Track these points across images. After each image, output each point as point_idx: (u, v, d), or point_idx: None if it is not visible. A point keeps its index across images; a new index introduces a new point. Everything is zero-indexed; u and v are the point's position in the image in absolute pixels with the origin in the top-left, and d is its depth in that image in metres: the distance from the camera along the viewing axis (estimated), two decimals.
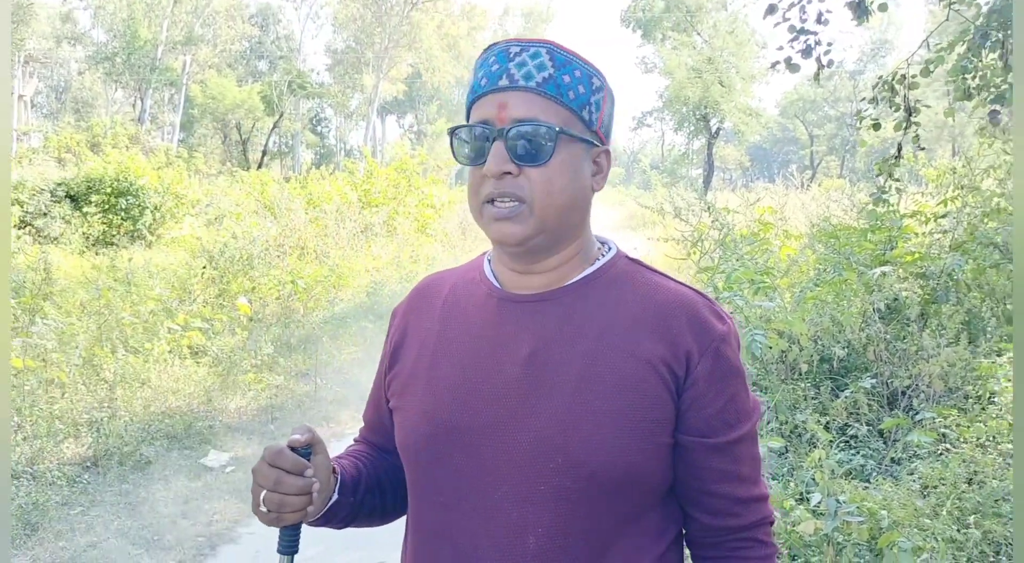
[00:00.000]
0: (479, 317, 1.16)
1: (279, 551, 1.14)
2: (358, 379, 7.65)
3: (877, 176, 5.94)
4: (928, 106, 5.66)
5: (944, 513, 3.12)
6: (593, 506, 1.06)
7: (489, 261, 1.23)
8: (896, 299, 5.30)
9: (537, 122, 1.07)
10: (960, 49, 5.33)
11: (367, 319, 9.69)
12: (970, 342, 4.80)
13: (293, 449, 1.07)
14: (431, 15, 39.78)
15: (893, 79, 5.61)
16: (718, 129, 31.67)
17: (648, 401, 1.06)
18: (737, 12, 31.71)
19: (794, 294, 5.57)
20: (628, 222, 23.63)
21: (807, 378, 4.95)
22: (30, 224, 12.79)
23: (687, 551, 1.20)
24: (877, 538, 2.88)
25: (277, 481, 1.05)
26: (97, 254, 12.24)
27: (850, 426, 4.41)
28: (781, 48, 5.70)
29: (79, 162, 16.97)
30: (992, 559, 2.95)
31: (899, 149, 5.69)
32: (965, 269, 5.17)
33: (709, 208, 6.16)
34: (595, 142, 1.13)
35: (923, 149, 5.83)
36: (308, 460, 1.08)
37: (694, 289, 1.17)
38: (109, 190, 13.94)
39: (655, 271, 1.19)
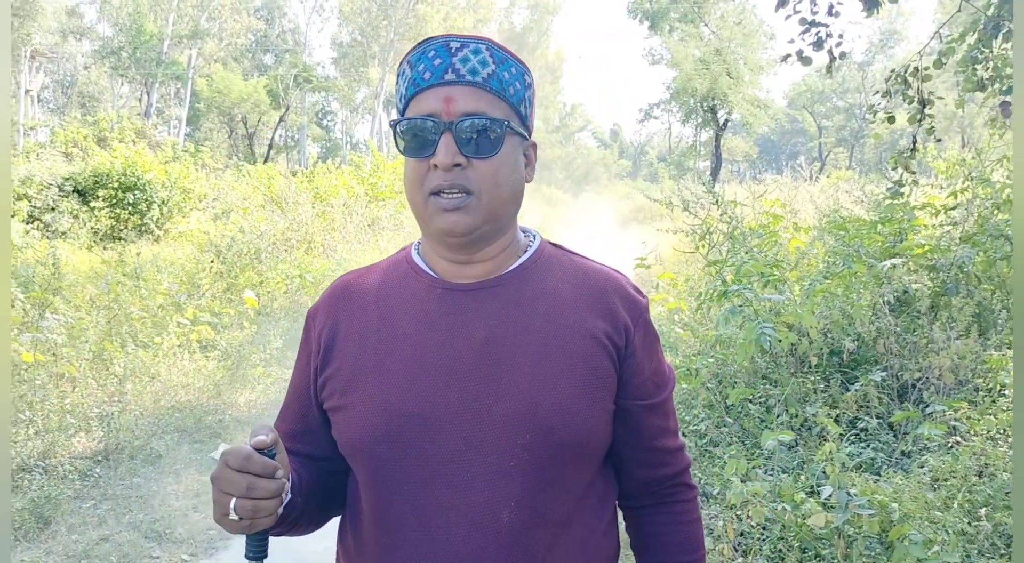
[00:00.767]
0: (424, 308, 1.18)
1: (249, 557, 1.10)
2: None
3: (892, 169, 5.90)
4: (941, 98, 5.61)
5: (955, 506, 3.11)
6: (559, 476, 1.14)
7: (418, 255, 1.25)
8: (906, 292, 5.27)
9: (485, 116, 1.12)
10: (971, 39, 5.29)
11: None
12: (980, 335, 4.78)
13: (259, 451, 1.03)
14: (437, 8, 39.70)
15: (906, 71, 5.57)
16: (726, 121, 31.52)
17: (597, 372, 1.16)
18: (744, 3, 31.55)
19: (803, 287, 5.55)
20: (635, 215, 23.58)
21: (817, 371, 4.94)
22: (38, 219, 12.83)
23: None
24: (888, 531, 2.87)
25: (250, 487, 1.01)
26: (105, 249, 12.29)
27: (860, 419, 4.40)
28: (792, 41, 5.66)
29: (86, 157, 17.00)
30: (1003, 552, 2.95)
31: (914, 142, 5.65)
32: (975, 261, 5.14)
33: (717, 201, 6.14)
34: (527, 136, 1.20)
35: (939, 141, 5.79)
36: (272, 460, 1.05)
37: (613, 268, 1.29)
38: (116, 185, 13.97)
39: (576, 254, 1.29)
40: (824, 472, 3.56)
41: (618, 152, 74.84)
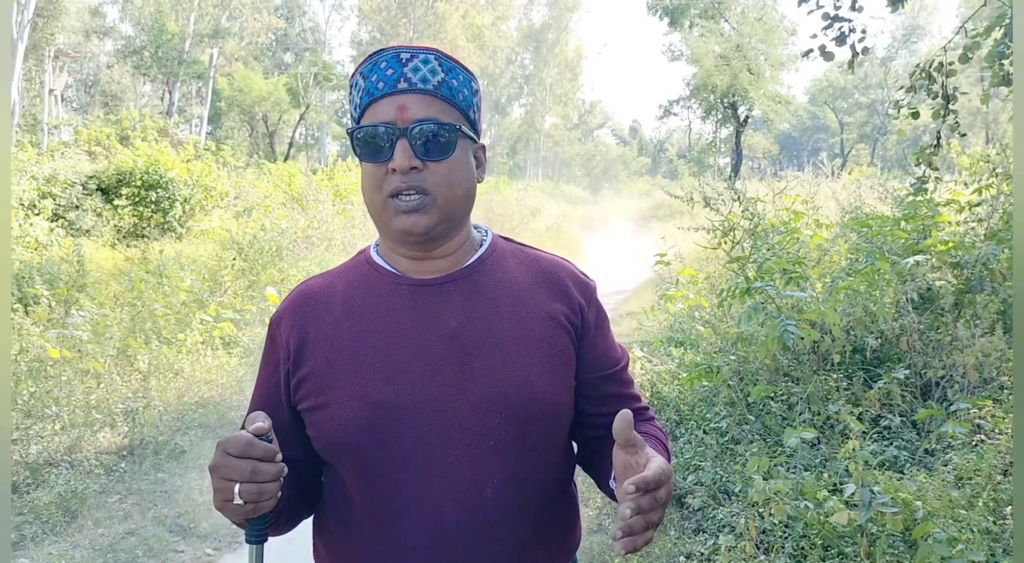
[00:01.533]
0: (391, 304, 1.24)
1: (251, 541, 1.15)
2: None
3: (916, 166, 5.85)
4: (965, 93, 5.55)
5: (979, 504, 3.08)
6: (534, 449, 1.23)
7: (378, 255, 1.31)
8: (930, 289, 5.22)
9: (437, 121, 1.19)
10: (997, 34, 5.22)
11: None
12: (1006, 332, 4.73)
13: (257, 437, 1.06)
14: (456, 5, 39.73)
15: (930, 66, 5.51)
16: (746, 117, 31.35)
17: (559, 350, 1.26)
18: None
19: (825, 284, 5.52)
20: (655, 212, 23.51)
21: (839, 369, 4.90)
22: (63, 217, 12.97)
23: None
24: (911, 529, 2.85)
25: (254, 471, 1.05)
26: (128, 246, 12.41)
27: (883, 417, 4.37)
28: (815, 36, 5.62)
29: (109, 155, 17.16)
30: None
31: (938, 138, 5.59)
32: (1000, 258, 5.08)
33: (739, 197, 6.11)
34: (476, 139, 1.28)
35: (964, 136, 5.73)
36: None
37: (560, 256, 1.40)
38: (139, 183, 14.11)
39: (524, 245, 1.40)
40: (847, 470, 3.54)
41: (637, 149, 74.62)
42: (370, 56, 1.23)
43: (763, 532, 3.41)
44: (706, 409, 4.95)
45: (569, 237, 18.32)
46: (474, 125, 1.26)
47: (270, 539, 1.18)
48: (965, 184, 6.53)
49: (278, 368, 1.28)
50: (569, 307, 1.29)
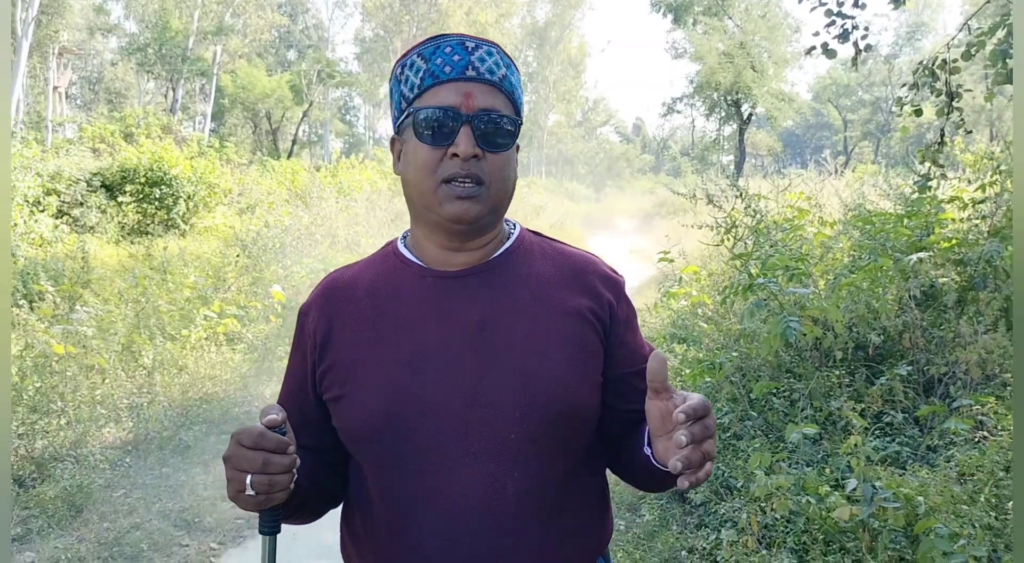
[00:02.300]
0: (416, 296, 1.24)
1: (264, 532, 1.16)
2: None
3: (920, 163, 5.85)
4: (969, 90, 5.55)
5: (981, 500, 3.09)
6: (555, 445, 1.21)
7: (404, 247, 1.31)
8: (933, 286, 5.23)
9: (500, 113, 1.20)
10: (1001, 33, 5.23)
11: None
12: (1008, 329, 4.73)
13: (270, 429, 1.08)
14: (459, 2, 39.70)
15: (934, 64, 5.51)
16: (750, 115, 31.32)
17: (584, 346, 1.24)
18: None
19: (828, 281, 5.53)
20: (659, 209, 23.51)
21: (842, 365, 4.91)
22: (67, 214, 13.00)
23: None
24: (913, 524, 2.87)
25: (266, 462, 1.06)
26: (132, 243, 12.45)
27: (885, 414, 4.38)
28: (817, 34, 5.62)
29: (113, 152, 17.19)
30: None
31: (942, 135, 5.60)
32: (1004, 255, 5.08)
33: (742, 194, 6.12)
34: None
35: (969, 133, 5.73)
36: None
37: (588, 251, 1.38)
38: (143, 180, 14.13)
39: (553, 239, 1.38)
40: (849, 465, 3.54)
41: (641, 147, 74.52)
42: (430, 39, 1.23)
43: (765, 527, 3.42)
44: None
45: (572, 235, 18.33)
46: (520, 122, 1.27)
47: (284, 528, 1.18)
48: (968, 181, 6.53)
49: (305, 358, 1.29)
50: (597, 303, 1.27)
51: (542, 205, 18.87)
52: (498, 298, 1.23)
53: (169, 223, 14.32)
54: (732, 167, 28.55)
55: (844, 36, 5.51)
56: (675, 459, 1.01)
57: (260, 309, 8.01)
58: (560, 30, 53.13)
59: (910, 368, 4.57)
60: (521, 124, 1.26)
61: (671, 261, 7.10)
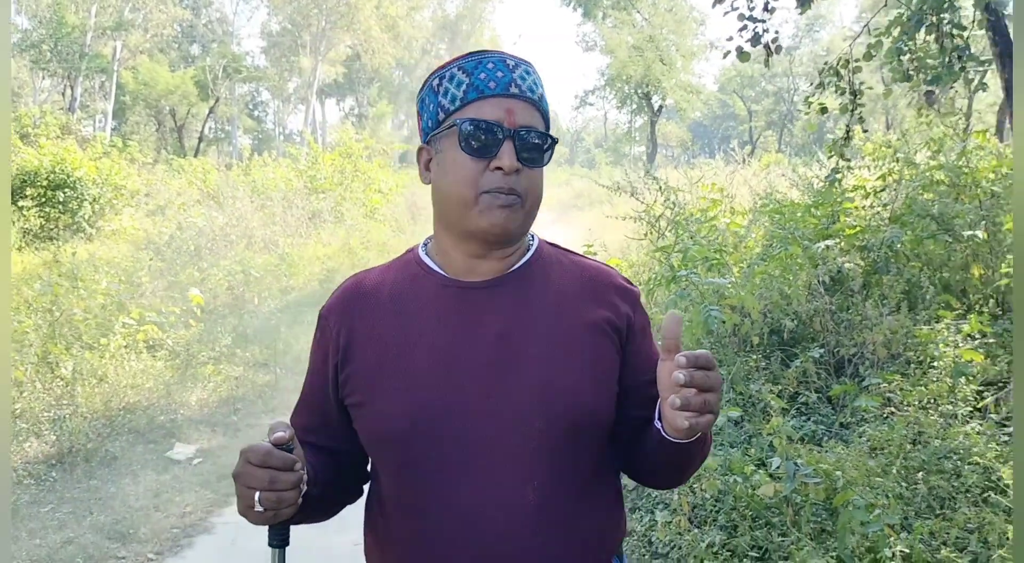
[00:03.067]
0: (438, 306, 1.27)
1: (273, 545, 1.20)
2: None
3: (828, 158, 6.16)
4: (871, 88, 5.88)
5: (893, 472, 3.32)
6: (575, 454, 1.25)
7: (426, 255, 1.34)
8: (840, 271, 5.51)
9: (539, 130, 1.25)
10: (896, 31, 5.55)
11: (321, 306, 9.67)
12: (910, 310, 5.05)
13: (276, 446, 1.11)
14: None
15: (838, 64, 5.82)
16: (660, 106, 32.00)
17: (602, 358, 1.28)
18: None
19: (743, 270, 5.77)
20: (575, 201, 23.79)
21: (759, 350, 5.15)
22: None
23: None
24: (833, 497, 3.07)
25: (272, 480, 1.09)
26: (37, 249, 11.95)
27: (801, 394, 4.62)
28: (731, 38, 5.87)
29: (11, 154, 16.41)
30: (938, 512, 3.17)
31: (847, 131, 5.91)
32: (904, 240, 5.41)
33: (661, 188, 6.32)
34: None
35: (866, 132, 6.08)
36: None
37: (603, 262, 1.42)
38: (45, 183, 13.57)
39: (569, 251, 1.42)
40: (771, 445, 3.75)
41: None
42: (471, 54, 1.27)
43: (695, 507, 3.59)
44: None
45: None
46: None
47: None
48: (869, 169, 6.89)
49: (326, 361, 1.32)
50: (614, 314, 1.30)
51: None
52: (519, 309, 1.27)
53: (75, 227, 13.78)
54: (645, 158, 29.13)
55: (755, 39, 5.77)
56: (674, 396, 1.06)
57: (179, 314, 7.83)
58: (471, 23, 53.08)
59: (822, 350, 4.83)
60: (556, 141, 1.30)
61: (595, 254, 7.27)
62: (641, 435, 1.31)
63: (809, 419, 4.46)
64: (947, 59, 5.19)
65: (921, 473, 3.36)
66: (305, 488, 1.19)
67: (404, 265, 1.36)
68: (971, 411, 3.83)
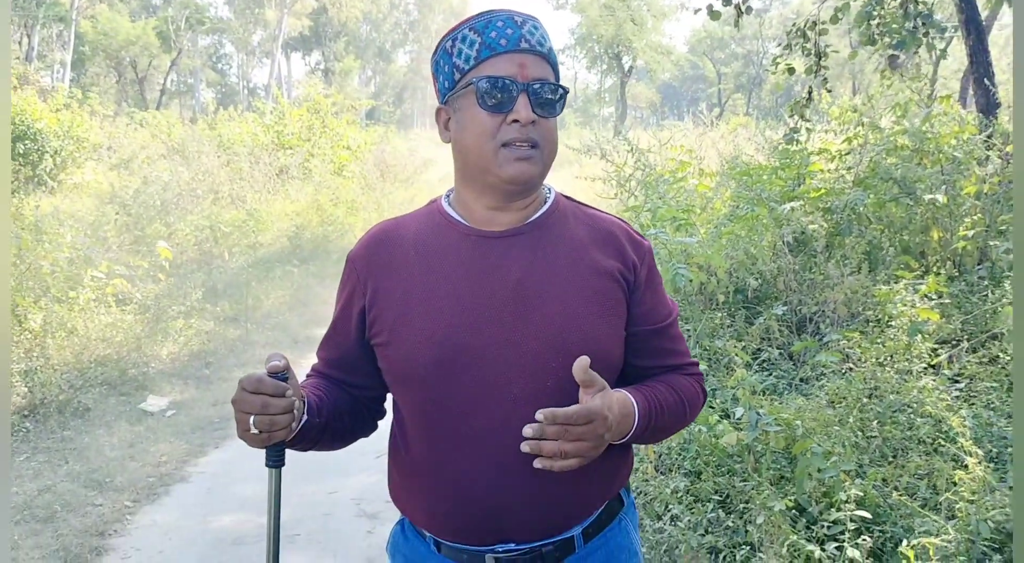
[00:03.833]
0: (461, 254, 1.35)
1: (269, 465, 1.29)
2: (288, 322, 7.71)
3: (789, 117, 6.26)
4: (836, 51, 5.97)
5: (850, 422, 3.48)
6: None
7: (449, 206, 1.42)
8: (804, 232, 5.65)
9: (551, 82, 1.32)
10: None
11: (291, 263, 9.67)
12: (871, 270, 5.21)
13: (271, 375, 1.20)
14: None
15: (805, 26, 5.90)
16: (630, 67, 31.93)
17: (614, 304, 1.37)
18: None
19: (710, 230, 5.89)
20: None
21: (724, 308, 5.30)
22: None
23: None
24: (792, 446, 3.21)
25: (264, 404, 1.18)
26: None
27: (763, 350, 4.77)
28: None
29: None
30: (891, 460, 3.34)
31: (810, 92, 6.01)
32: (867, 203, 5.55)
33: (632, 149, 6.39)
34: None
35: (830, 91, 6.18)
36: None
37: (616, 216, 1.50)
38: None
39: (584, 204, 1.50)
40: (735, 398, 3.89)
41: None
42: (479, 14, 1.33)
43: (661, 456, 3.73)
44: None
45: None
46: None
47: (290, 465, 1.28)
48: (835, 133, 7.02)
49: (352, 301, 1.41)
50: (624, 264, 1.39)
51: (431, 158, 18.75)
52: (536, 257, 1.35)
53: (37, 180, 13.54)
54: (615, 119, 29.14)
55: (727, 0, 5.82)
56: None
57: (148, 268, 7.79)
58: None
59: (784, 308, 4.98)
60: (568, 92, 1.36)
61: None
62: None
63: (771, 374, 4.61)
64: (912, 25, 5.30)
65: (876, 424, 3.53)
66: (305, 416, 1.30)
67: (428, 215, 1.43)
68: (925, 367, 3.99)
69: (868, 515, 2.74)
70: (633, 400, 1.32)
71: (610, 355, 1.37)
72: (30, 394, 5.01)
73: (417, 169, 17.00)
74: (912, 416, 3.57)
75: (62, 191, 13.70)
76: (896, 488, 3.09)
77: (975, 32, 6.07)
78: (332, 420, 1.39)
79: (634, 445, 1.53)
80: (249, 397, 1.19)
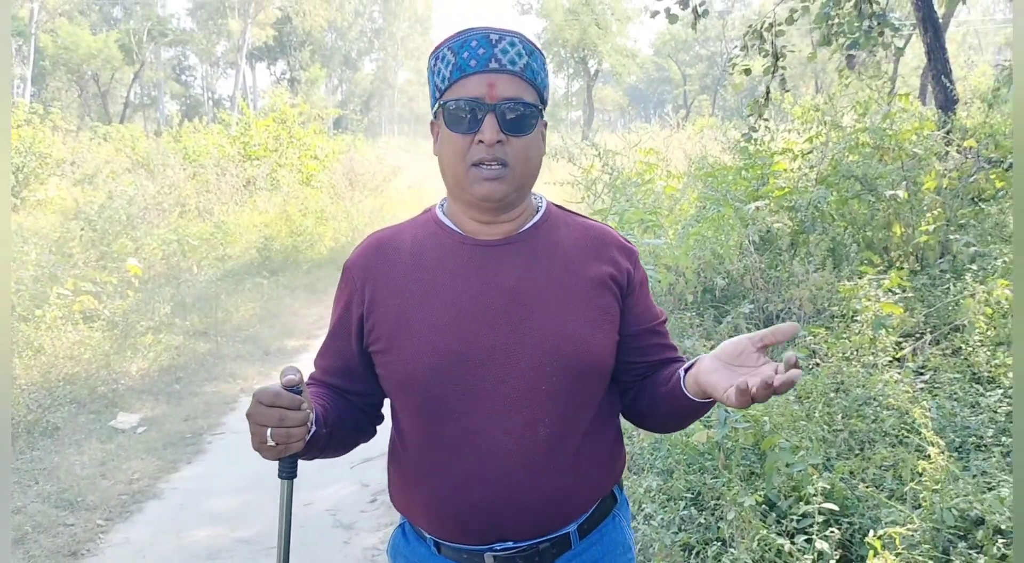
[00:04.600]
0: (456, 262, 1.39)
1: (282, 477, 1.32)
2: (259, 335, 7.66)
3: (748, 117, 6.36)
4: (793, 51, 6.08)
5: (816, 417, 3.54)
6: (580, 395, 1.40)
7: (444, 215, 1.45)
8: (769, 231, 5.74)
9: (522, 101, 1.33)
10: None
11: (260, 275, 9.61)
12: (835, 267, 5.30)
13: (287, 388, 1.23)
14: None
15: (761, 27, 6.00)
16: (596, 70, 32.12)
17: (605, 309, 1.42)
18: None
19: (677, 231, 5.95)
20: None
21: (693, 307, 5.36)
22: None
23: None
24: (761, 442, 3.26)
25: (281, 418, 1.21)
26: None
27: None
28: None
29: None
30: (857, 453, 3.40)
31: (767, 92, 6.11)
32: (830, 200, 5.65)
33: (599, 153, 6.44)
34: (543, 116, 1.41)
35: (788, 91, 6.28)
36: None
37: (605, 224, 1.55)
38: None
39: (574, 212, 1.54)
40: None
41: None
42: (459, 33, 1.36)
43: (633, 456, 3.77)
44: None
45: (433, 195, 18.28)
46: (545, 104, 1.40)
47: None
48: (798, 133, 7.13)
49: (349, 310, 1.44)
50: (615, 270, 1.44)
51: (399, 166, 18.68)
52: (530, 265, 1.39)
53: None
54: (582, 123, 29.29)
55: (684, 2, 5.90)
56: (740, 384, 1.21)
57: (116, 285, 7.71)
58: None
59: (752, 306, 5.05)
60: (544, 107, 1.39)
61: None
62: (644, 382, 1.48)
63: None
64: (867, 24, 5.41)
65: (842, 417, 3.59)
66: (314, 428, 1.32)
67: (423, 223, 1.47)
68: (890, 361, 4.07)
69: (836, 507, 2.79)
70: None
71: (602, 359, 1.41)
72: None
73: (386, 177, 16.94)
74: (878, 409, 3.64)
75: (25, 208, 13.50)
76: (863, 480, 3.15)
77: (932, 30, 6.20)
78: (336, 428, 1.42)
79: (626, 444, 1.57)
80: (266, 410, 1.21)
